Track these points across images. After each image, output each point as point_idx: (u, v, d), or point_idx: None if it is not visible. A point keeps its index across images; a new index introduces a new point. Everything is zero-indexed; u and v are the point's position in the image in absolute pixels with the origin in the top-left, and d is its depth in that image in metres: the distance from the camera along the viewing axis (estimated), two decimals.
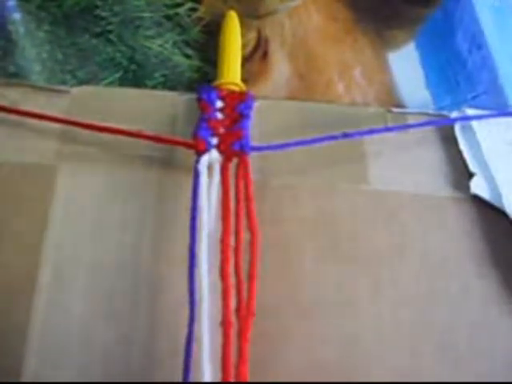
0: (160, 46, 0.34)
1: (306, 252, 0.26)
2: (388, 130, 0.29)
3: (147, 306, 0.25)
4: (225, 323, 0.22)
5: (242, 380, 0.21)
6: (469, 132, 0.30)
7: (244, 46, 0.33)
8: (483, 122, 0.30)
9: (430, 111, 0.32)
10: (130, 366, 0.23)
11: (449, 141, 0.30)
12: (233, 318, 0.22)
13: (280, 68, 0.35)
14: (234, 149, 0.27)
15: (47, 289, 0.24)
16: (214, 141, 0.27)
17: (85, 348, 0.24)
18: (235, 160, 0.27)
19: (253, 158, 0.27)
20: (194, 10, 0.35)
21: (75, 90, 0.29)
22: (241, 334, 0.22)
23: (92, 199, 0.27)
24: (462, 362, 0.25)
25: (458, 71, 0.36)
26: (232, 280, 0.23)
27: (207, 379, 0.21)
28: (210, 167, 0.26)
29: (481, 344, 0.25)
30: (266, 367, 0.24)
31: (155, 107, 0.30)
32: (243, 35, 0.33)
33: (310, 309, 0.25)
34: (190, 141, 0.27)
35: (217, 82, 0.30)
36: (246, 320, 0.22)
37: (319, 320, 0.25)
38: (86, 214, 0.26)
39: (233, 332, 0.22)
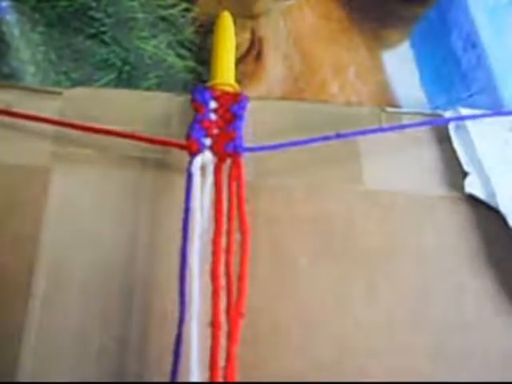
0: (154, 46, 0.34)
1: (301, 252, 0.26)
2: (382, 130, 0.29)
3: (141, 307, 0.25)
4: (214, 324, 0.22)
5: (230, 380, 0.21)
6: (463, 131, 0.30)
7: (238, 46, 0.33)
8: (478, 121, 0.30)
9: (425, 110, 0.32)
10: (124, 366, 0.24)
11: (443, 140, 0.30)
12: (223, 319, 0.22)
13: (274, 68, 0.35)
14: (228, 150, 0.27)
15: (43, 290, 0.25)
16: (208, 142, 0.27)
17: (80, 348, 0.24)
18: (229, 161, 0.27)
19: (247, 159, 0.27)
20: (188, 10, 0.35)
21: (69, 92, 0.30)
22: (230, 335, 0.22)
23: (86, 200, 0.27)
24: (457, 360, 0.25)
25: (453, 70, 0.35)
26: (223, 281, 0.23)
27: (194, 379, 0.21)
28: (203, 168, 0.27)
29: (476, 343, 0.25)
30: (262, 368, 0.24)
31: (149, 108, 0.30)
32: (237, 35, 0.33)
33: (304, 309, 0.25)
34: (183, 142, 0.27)
35: (211, 83, 0.30)
36: (236, 321, 0.22)
37: (314, 320, 0.25)
38: (80, 214, 0.27)
39: (223, 332, 0.22)
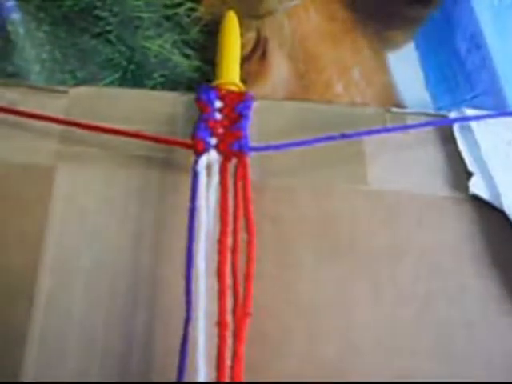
0: (159, 46, 0.34)
1: (305, 252, 0.26)
2: (386, 130, 0.29)
3: (146, 307, 0.25)
4: (220, 323, 0.22)
5: (237, 380, 0.21)
6: (468, 132, 0.30)
7: (243, 46, 0.33)
8: (482, 122, 0.30)
9: (429, 111, 0.32)
10: (129, 366, 0.24)
11: (448, 141, 0.30)
12: (229, 319, 0.22)
13: (279, 68, 0.35)
14: (233, 149, 0.27)
15: (47, 289, 0.25)
16: (213, 141, 0.27)
17: (84, 348, 0.24)
18: (234, 160, 0.27)
19: (252, 159, 0.27)
20: (193, 10, 0.35)
21: (74, 91, 0.30)
22: (236, 335, 0.22)
23: (91, 200, 0.27)
24: (460, 361, 0.25)
25: (458, 71, 0.36)
26: (229, 281, 0.23)
27: (202, 379, 0.21)
28: (208, 167, 0.27)
29: (479, 344, 0.25)
30: (266, 367, 0.24)
31: (155, 107, 0.30)
32: (242, 35, 0.33)
33: (309, 309, 0.25)
34: (188, 141, 0.27)
35: (216, 82, 0.30)
36: (242, 320, 0.22)
37: (318, 320, 0.25)
38: (85, 214, 0.27)
39: (229, 332, 0.22)
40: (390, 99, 0.34)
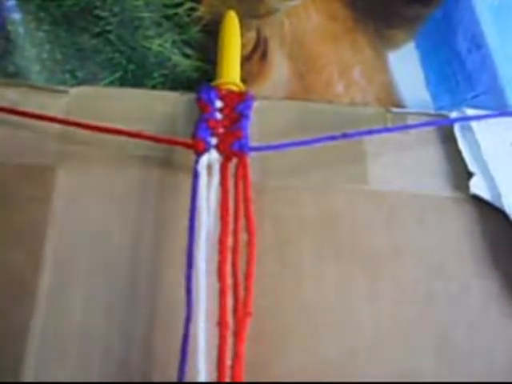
0: (159, 45, 0.34)
1: (305, 252, 0.26)
2: (387, 130, 0.29)
3: (146, 306, 0.25)
4: (221, 323, 0.22)
5: (237, 380, 0.21)
6: (468, 132, 0.30)
7: (243, 45, 0.33)
8: (483, 122, 0.30)
9: (430, 111, 0.32)
10: (129, 365, 0.24)
11: (448, 141, 0.30)
12: (230, 318, 0.22)
13: (279, 68, 0.35)
14: (234, 149, 0.27)
15: (47, 289, 0.25)
16: (214, 141, 0.27)
17: (84, 348, 0.24)
18: (235, 160, 0.27)
19: (252, 158, 0.27)
20: (193, 9, 0.35)
21: (74, 90, 0.29)
22: (237, 334, 0.22)
23: (91, 199, 0.27)
24: (461, 362, 0.25)
25: (458, 71, 0.36)
26: (230, 280, 0.23)
27: (202, 379, 0.21)
28: (209, 167, 0.27)
29: (480, 344, 0.25)
30: (266, 367, 0.24)
31: (155, 107, 0.30)
32: (242, 35, 0.33)
33: (309, 308, 0.25)
34: (189, 141, 0.27)
35: (216, 82, 0.30)
36: (243, 320, 0.22)
37: (319, 320, 0.25)
38: (85, 214, 0.27)
39: (230, 332, 0.22)
40: (391, 99, 0.34)
